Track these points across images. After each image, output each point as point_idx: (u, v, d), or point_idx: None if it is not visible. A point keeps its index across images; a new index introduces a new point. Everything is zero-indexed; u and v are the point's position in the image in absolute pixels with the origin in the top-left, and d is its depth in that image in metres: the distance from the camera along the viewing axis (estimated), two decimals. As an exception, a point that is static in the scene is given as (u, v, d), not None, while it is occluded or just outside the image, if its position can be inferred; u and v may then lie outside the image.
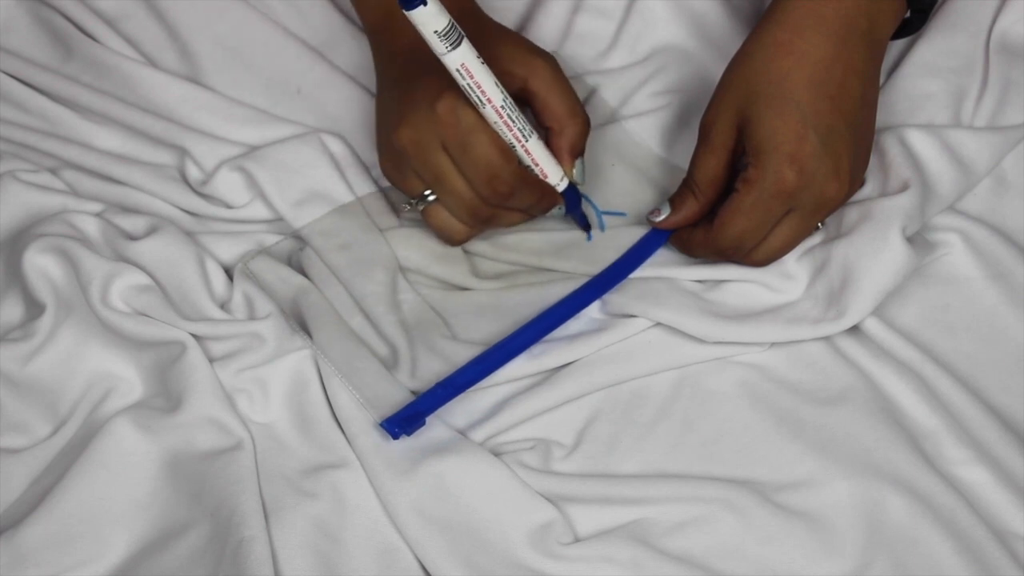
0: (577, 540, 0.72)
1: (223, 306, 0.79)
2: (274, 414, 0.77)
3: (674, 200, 0.80)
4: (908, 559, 0.71)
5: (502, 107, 0.74)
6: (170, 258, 0.79)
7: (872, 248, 0.77)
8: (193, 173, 0.83)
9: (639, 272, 0.80)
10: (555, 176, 0.79)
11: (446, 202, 0.77)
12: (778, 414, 0.76)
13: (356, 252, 0.81)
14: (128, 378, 0.77)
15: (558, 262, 0.82)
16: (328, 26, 0.90)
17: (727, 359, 0.78)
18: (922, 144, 0.81)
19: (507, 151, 0.75)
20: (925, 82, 0.84)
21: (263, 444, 0.75)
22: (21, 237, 0.80)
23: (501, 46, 0.77)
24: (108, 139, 0.85)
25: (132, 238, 0.81)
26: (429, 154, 0.75)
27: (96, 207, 0.83)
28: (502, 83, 0.74)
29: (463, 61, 0.71)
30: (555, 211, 0.81)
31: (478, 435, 0.76)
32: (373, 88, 0.86)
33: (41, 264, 0.78)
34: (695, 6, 0.89)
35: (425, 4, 0.69)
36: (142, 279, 0.78)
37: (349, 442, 0.75)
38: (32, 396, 0.76)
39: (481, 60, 0.72)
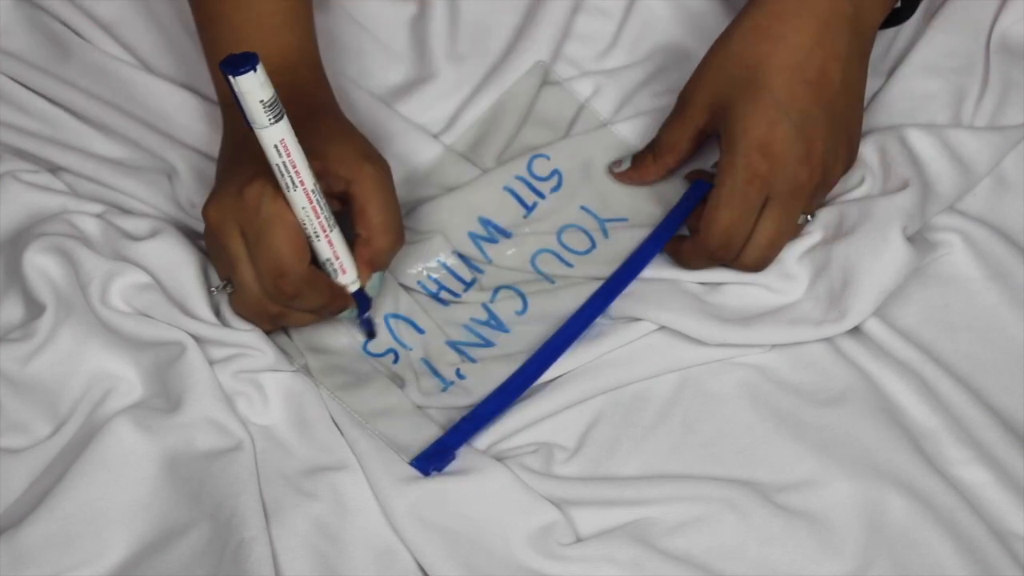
0: (578, 541, 0.72)
1: (221, 312, 0.79)
2: (273, 416, 0.76)
3: (635, 157, 0.83)
4: (908, 559, 0.71)
5: (312, 191, 0.71)
6: (171, 261, 0.79)
7: (872, 248, 0.77)
8: (182, 195, 0.83)
9: (641, 274, 0.80)
10: (351, 275, 0.75)
11: (237, 291, 0.75)
12: (779, 415, 0.76)
13: None
14: (128, 378, 0.77)
15: (566, 269, 0.82)
16: (329, 32, 0.90)
17: (728, 360, 0.78)
18: (922, 144, 0.81)
19: (301, 251, 0.72)
20: (926, 82, 0.84)
21: (263, 445, 0.75)
22: (21, 237, 0.80)
23: (337, 145, 0.75)
24: (106, 145, 0.85)
25: (133, 239, 0.81)
26: (228, 238, 0.73)
27: (97, 208, 0.82)
28: (327, 182, 0.73)
29: (283, 137, 0.69)
30: (346, 313, 0.77)
31: (482, 442, 0.76)
32: (380, 98, 0.87)
33: (41, 264, 0.78)
34: (695, 7, 0.89)
35: (255, 71, 0.66)
36: (142, 278, 0.77)
37: (349, 445, 0.75)
38: (32, 396, 0.76)
39: (297, 142, 0.70)
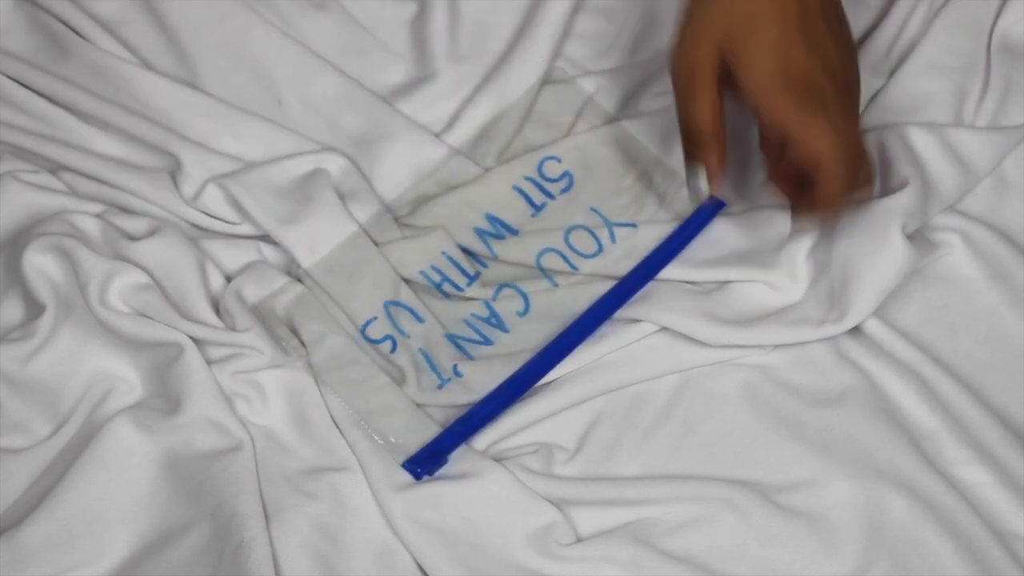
0: (578, 541, 0.72)
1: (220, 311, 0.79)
2: (273, 416, 0.76)
3: (703, 159, 0.77)
4: (909, 560, 0.71)
5: None
6: (170, 260, 0.79)
7: (872, 246, 0.77)
8: (185, 189, 0.83)
9: (642, 276, 0.81)
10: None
11: None
12: (779, 415, 0.76)
13: (359, 282, 0.80)
14: (128, 378, 0.77)
15: (570, 272, 0.82)
16: (329, 32, 0.89)
17: (729, 361, 0.78)
18: (923, 143, 0.81)
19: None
20: (927, 81, 0.84)
21: (263, 445, 0.75)
22: (21, 237, 0.80)
23: None
24: (107, 143, 0.85)
25: (133, 238, 0.81)
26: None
27: (96, 207, 0.82)
28: None
29: None
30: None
31: (481, 442, 0.76)
32: (381, 97, 0.86)
33: (41, 263, 0.78)
34: (696, 7, 0.89)
35: None
36: (141, 278, 0.78)
37: (350, 446, 0.75)
38: (32, 396, 0.76)
39: None
